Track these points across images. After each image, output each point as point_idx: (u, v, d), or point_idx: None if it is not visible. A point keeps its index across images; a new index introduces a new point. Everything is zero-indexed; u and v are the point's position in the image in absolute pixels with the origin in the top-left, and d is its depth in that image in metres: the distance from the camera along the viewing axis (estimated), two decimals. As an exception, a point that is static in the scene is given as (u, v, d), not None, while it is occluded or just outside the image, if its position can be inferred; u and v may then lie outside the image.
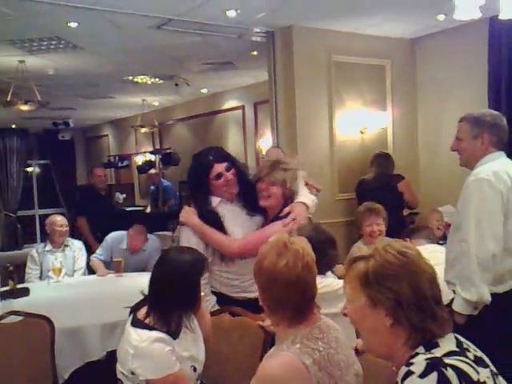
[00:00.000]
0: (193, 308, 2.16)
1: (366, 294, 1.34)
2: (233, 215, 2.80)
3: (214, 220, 2.74)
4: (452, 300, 2.55)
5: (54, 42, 5.20)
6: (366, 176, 5.03)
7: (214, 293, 2.77)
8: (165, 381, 2.02)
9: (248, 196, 2.81)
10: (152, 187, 9.47)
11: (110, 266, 4.68)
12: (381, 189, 4.71)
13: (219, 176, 2.74)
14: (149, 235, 4.96)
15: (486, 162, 2.59)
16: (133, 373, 2.03)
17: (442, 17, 4.75)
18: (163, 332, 2.06)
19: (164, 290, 2.12)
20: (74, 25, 4.59)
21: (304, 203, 2.73)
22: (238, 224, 2.78)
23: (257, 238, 2.58)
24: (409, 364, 1.27)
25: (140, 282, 4.16)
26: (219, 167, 2.74)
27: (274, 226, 2.66)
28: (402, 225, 4.63)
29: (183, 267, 2.13)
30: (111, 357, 3.07)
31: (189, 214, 2.79)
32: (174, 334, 2.10)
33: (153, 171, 9.52)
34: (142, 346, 2.01)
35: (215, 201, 2.79)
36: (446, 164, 5.14)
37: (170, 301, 2.10)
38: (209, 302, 2.67)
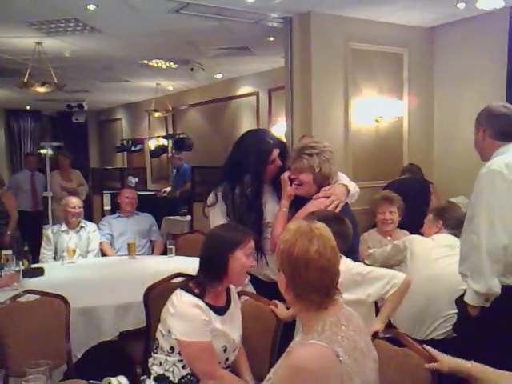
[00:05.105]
0: (220, 278, 2.20)
1: None
2: (270, 201, 2.80)
3: (259, 208, 2.74)
4: (465, 292, 2.56)
5: (71, 24, 5.20)
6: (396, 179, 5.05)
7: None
8: (192, 346, 2.11)
9: (279, 182, 2.76)
10: (174, 170, 9.45)
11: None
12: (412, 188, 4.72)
13: (273, 161, 2.75)
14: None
15: (500, 153, 2.59)
16: (169, 331, 2.13)
17: (462, 5, 4.68)
18: (207, 304, 2.16)
19: (201, 261, 2.25)
20: (92, 7, 4.59)
21: (345, 185, 2.65)
22: (273, 209, 2.77)
23: None
24: None
25: (152, 264, 4.24)
26: (275, 152, 2.75)
27: (309, 207, 2.56)
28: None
29: (213, 239, 2.28)
30: (124, 337, 3.13)
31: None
32: (221, 311, 2.21)
33: (174, 155, 9.48)
34: (181, 306, 2.13)
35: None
36: (461, 155, 5.10)
37: (203, 270, 2.22)
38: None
